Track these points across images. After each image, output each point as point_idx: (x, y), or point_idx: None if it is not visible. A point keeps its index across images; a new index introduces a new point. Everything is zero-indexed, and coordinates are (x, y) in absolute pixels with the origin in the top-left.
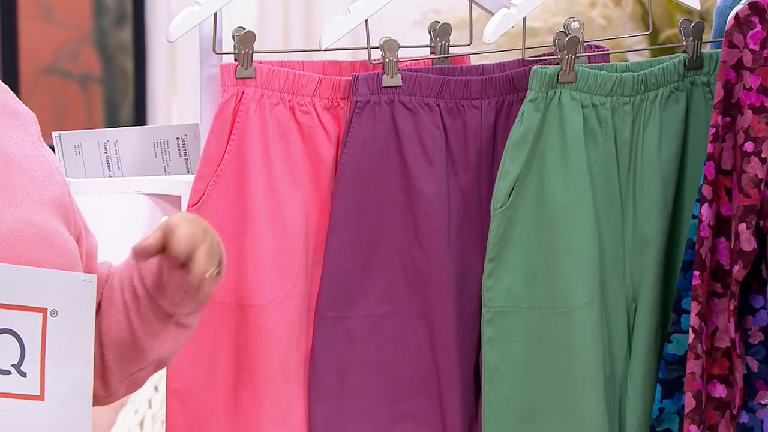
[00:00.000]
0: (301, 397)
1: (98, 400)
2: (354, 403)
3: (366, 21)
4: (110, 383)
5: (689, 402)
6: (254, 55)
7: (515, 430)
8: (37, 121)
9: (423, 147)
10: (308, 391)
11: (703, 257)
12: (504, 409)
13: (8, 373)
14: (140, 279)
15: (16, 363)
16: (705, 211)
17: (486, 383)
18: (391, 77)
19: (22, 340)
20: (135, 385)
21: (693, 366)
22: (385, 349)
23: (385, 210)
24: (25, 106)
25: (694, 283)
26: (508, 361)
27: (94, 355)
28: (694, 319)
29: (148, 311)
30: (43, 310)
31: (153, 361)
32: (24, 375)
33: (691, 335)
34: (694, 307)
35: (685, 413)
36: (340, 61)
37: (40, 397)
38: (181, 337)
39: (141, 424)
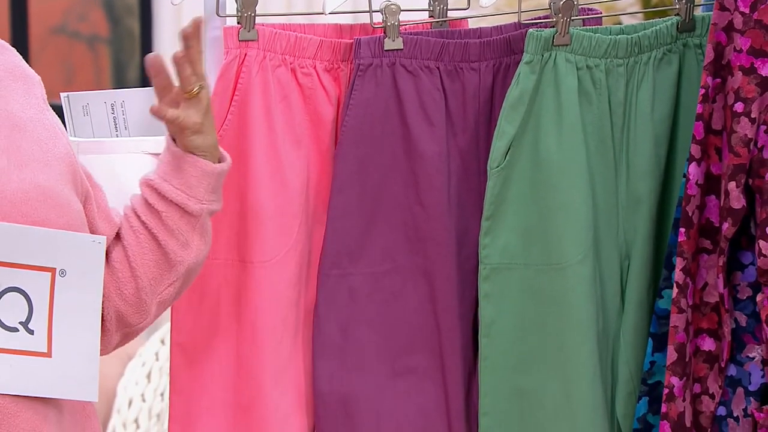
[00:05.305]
0: (300, 352)
1: (134, 333)
2: (357, 358)
3: None
4: (145, 304)
5: (671, 354)
6: (257, 17)
7: (510, 382)
8: (43, 84)
9: (424, 109)
10: (312, 347)
11: (690, 215)
12: (500, 362)
13: (16, 330)
14: (158, 194)
15: (23, 321)
16: (693, 169)
17: (482, 337)
18: (393, 41)
19: (30, 298)
20: (163, 305)
21: (676, 320)
22: (387, 306)
23: (386, 170)
24: (32, 69)
25: (679, 240)
26: (504, 316)
27: (128, 285)
28: (678, 275)
29: (175, 222)
30: (52, 270)
31: (181, 274)
32: (31, 332)
33: (675, 290)
34: (679, 263)
35: (666, 365)
36: (341, 25)
37: (47, 354)
38: (202, 246)
39: (148, 376)
